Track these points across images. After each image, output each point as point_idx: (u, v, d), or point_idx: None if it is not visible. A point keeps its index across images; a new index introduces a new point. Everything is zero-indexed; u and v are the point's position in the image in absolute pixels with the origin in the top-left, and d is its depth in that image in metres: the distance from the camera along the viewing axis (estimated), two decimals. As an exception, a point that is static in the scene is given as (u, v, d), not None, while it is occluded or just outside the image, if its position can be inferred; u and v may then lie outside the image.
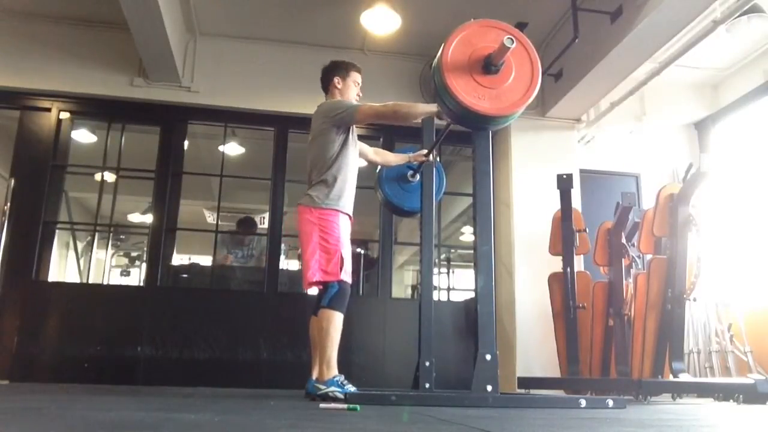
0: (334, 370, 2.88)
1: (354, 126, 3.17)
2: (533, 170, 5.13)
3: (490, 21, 2.83)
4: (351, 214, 3.14)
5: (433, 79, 2.79)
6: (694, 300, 3.99)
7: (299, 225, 3.07)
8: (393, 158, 3.72)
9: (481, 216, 2.73)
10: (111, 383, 4.32)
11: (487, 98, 2.68)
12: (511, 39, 2.56)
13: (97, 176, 5.22)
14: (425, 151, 3.62)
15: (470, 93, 2.66)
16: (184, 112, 5.17)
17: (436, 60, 2.73)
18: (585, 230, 4.56)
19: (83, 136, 5.94)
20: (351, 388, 2.87)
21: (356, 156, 3.23)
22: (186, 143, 5.28)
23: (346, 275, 2.99)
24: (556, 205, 4.58)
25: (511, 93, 2.71)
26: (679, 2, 3.72)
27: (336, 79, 3.27)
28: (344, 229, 3.06)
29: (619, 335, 4.27)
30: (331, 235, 2.99)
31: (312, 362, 3.07)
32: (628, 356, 4.16)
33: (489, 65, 2.68)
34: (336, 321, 2.90)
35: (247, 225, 5.87)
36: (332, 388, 2.81)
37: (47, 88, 4.94)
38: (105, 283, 6.33)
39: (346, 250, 3.03)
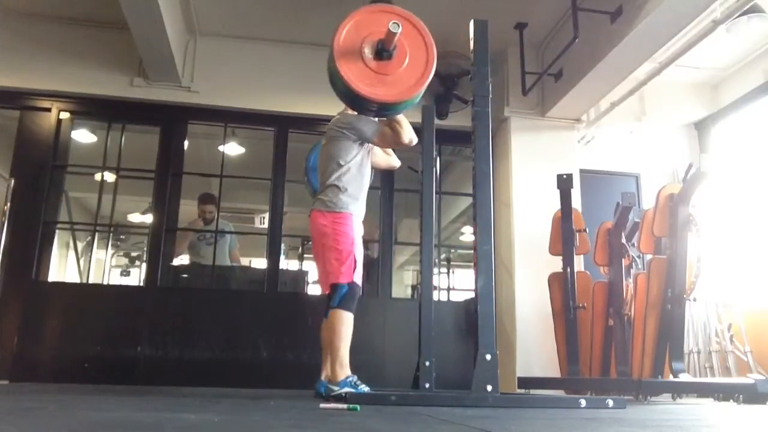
0: (346, 370, 2.89)
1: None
2: (533, 170, 5.12)
3: (383, 5, 2.80)
4: (362, 218, 3.17)
5: (327, 66, 2.74)
6: (694, 300, 3.99)
7: (313, 229, 3.08)
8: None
9: (481, 216, 2.72)
10: (111, 383, 4.30)
11: (381, 85, 2.64)
12: (397, 24, 2.53)
13: (97, 176, 5.22)
14: None
15: (363, 80, 2.62)
16: (184, 112, 5.17)
17: (330, 47, 2.68)
18: (585, 230, 4.55)
19: (83, 136, 5.94)
20: (364, 388, 2.87)
21: (369, 163, 3.23)
22: (186, 143, 5.28)
23: (357, 277, 3.02)
24: (556, 205, 4.58)
25: (405, 79, 2.68)
26: (679, 2, 3.72)
27: None
28: (357, 231, 3.08)
29: (619, 335, 4.27)
30: (346, 237, 3.01)
31: (322, 364, 3.08)
32: (628, 356, 4.16)
33: (381, 51, 2.64)
34: (346, 321, 2.91)
35: (207, 198, 5.32)
36: (346, 389, 2.81)
37: (47, 88, 4.93)
38: (105, 283, 6.34)
39: (359, 253, 3.05)
